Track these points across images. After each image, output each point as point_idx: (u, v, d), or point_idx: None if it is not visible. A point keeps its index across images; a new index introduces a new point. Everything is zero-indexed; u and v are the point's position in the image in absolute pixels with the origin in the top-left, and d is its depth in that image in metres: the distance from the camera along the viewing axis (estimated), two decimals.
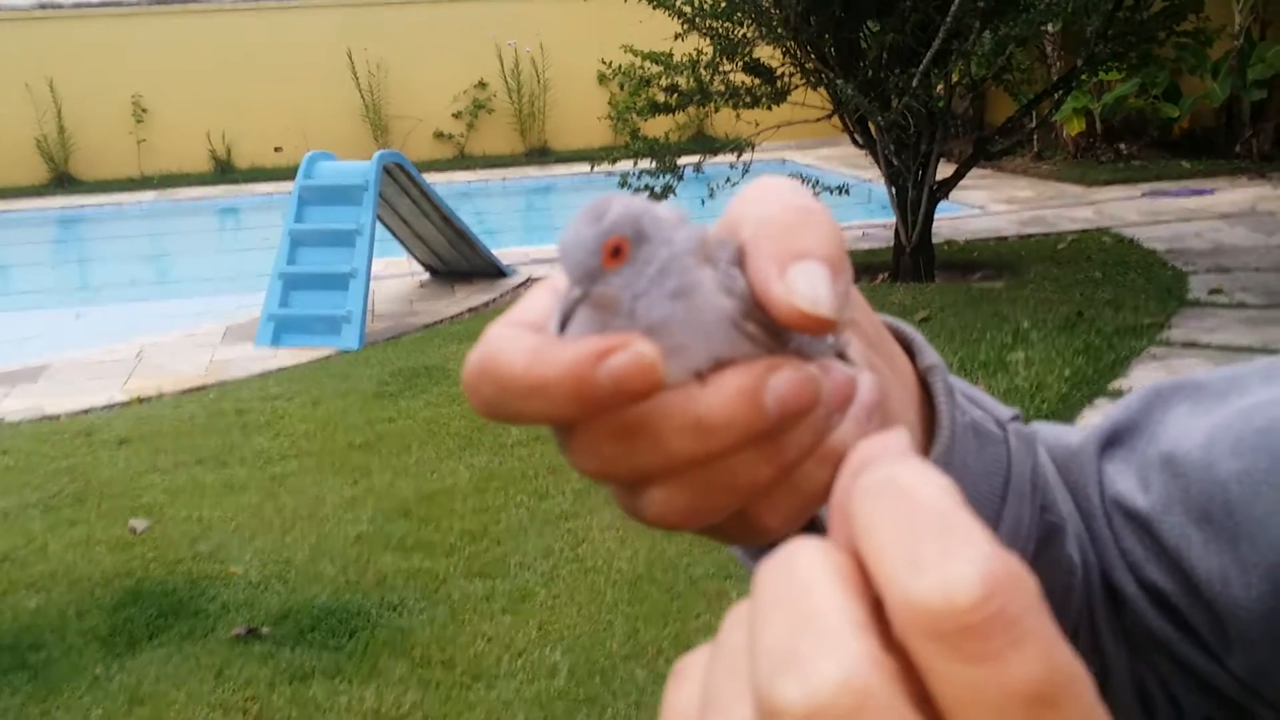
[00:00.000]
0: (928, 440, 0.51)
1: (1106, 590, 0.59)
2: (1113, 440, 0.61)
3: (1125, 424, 0.61)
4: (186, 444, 5.62)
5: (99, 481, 5.18)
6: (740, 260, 0.38)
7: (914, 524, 0.26)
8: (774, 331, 0.37)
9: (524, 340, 0.37)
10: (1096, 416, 5.22)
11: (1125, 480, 0.59)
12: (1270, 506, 0.52)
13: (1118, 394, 5.57)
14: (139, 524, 4.70)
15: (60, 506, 4.92)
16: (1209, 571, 0.54)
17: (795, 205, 0.39)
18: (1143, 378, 5.79)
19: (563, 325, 0.37)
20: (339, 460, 5.31)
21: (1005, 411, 0.57)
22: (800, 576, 0.27)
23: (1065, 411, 5.35)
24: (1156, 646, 0.57)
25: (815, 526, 0.42)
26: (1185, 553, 0.55)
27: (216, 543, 4.51)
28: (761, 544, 0.40)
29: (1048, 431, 0.63)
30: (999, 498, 0.53)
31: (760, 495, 0.38)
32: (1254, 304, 7.17)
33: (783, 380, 0.36)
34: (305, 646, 3.71)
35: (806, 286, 0.36)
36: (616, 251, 0.37)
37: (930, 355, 0.52)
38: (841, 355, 0.41)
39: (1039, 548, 0.55)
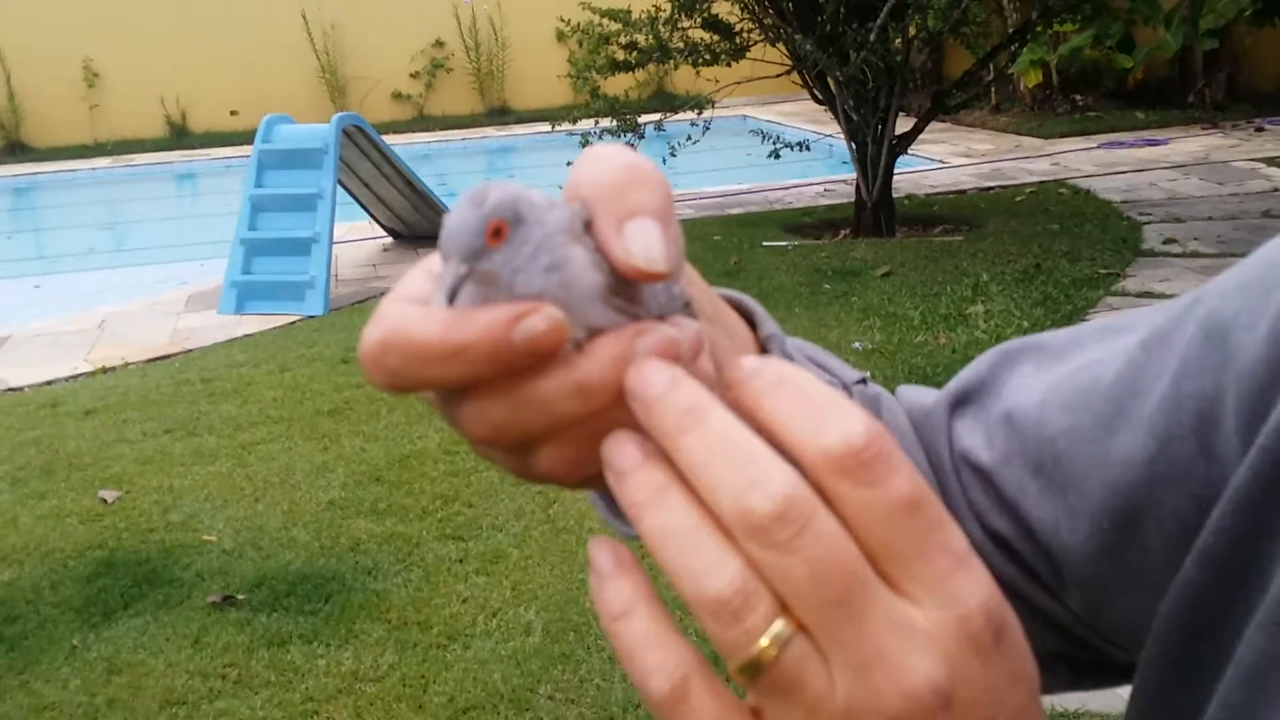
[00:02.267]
0: None
1: None
2: (962, 400, 0.65)
3: (974, 384, 0.65)
4: (154, 413, 5.62)
5: (67, 453, 5.18)
6: (589, 224, 0.43)
7: (810, 402, 0.37)
8: (633, 299, 0.42)
9: (430, 312, 0.41)
10: None
11: (972, 437, 0.63)
12: (1093, 458, 0.56)
13: None
14: (109, 494, 4.71)
15: (28, 479, 4.92)
16: (1043, 519, 0.59)
17: (622, 164, 0.44)
18: None
19: (450, 298, 0.41)
20: (308, 426, 5.33)
21: (852, 375, 0.63)
22: (718, 429, 0.37)
23: None
24: (1004, 587, 0.62)
25: None
26: (1022, 502, 0.60)
27: (188, 511, 4.53)
28: None
29: (908, 393, 0.68)
30: None
31: None
32: (1207, 253, 7.29)
33: (649, 342, 0.40)
34: (281, 612, 3.76)
35: (640, 244, 0.41)
36: (497, 232, 0.41)
37: (769, 325, 0.57)
38: (687, 305, 0.45)
39: None
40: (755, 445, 0.37)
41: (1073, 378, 0.60)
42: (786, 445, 0.37)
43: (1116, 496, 0.55)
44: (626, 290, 0.42)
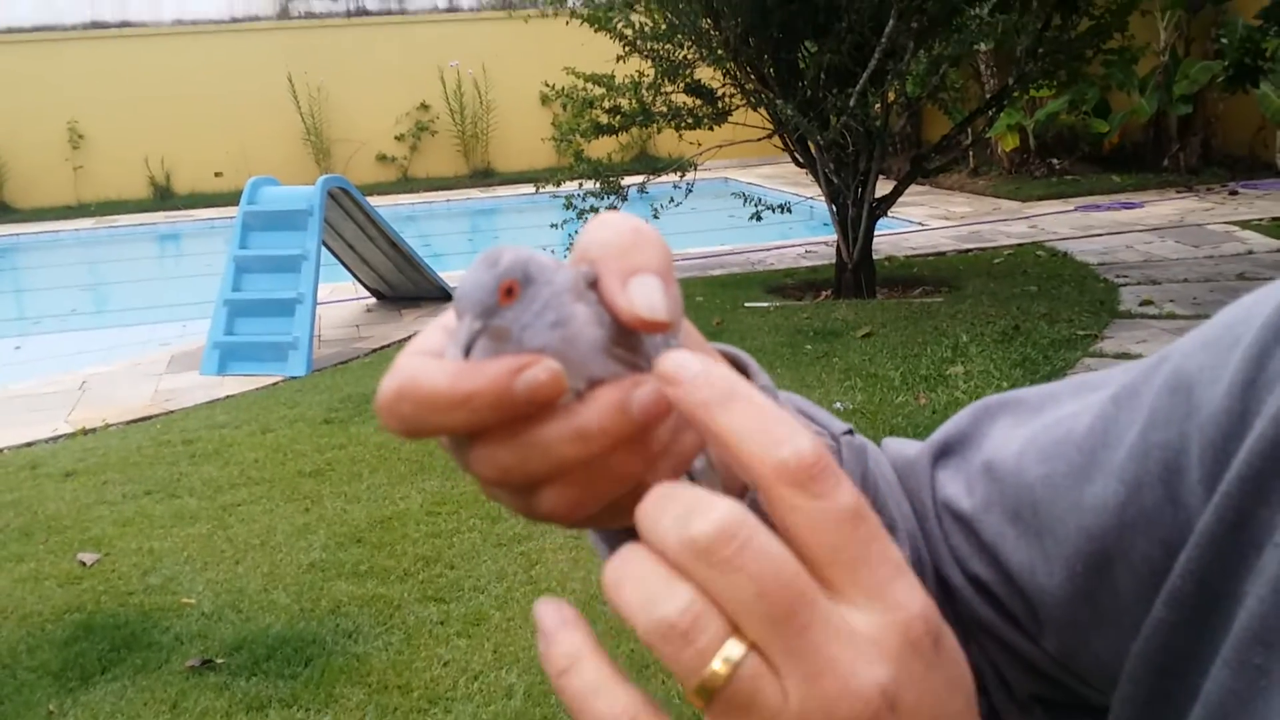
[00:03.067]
0: None
1: (938, 582, 0.67)
2: (944, 451, 0.69)
3: (956, 436, 0.69)
4: (134, 475, 5.60)
5: (46, 515, 5.15)
6: (594, 283, 0.46)
7: (764, 418, 0.40)
8: (634, 350, 0.46)
9: (441, 364, 0.44)
10: None
11: (954, 486, 0.67)
12: (1067, 505, 0.59)
13: None
14: (88, 557, 4.68)
15: (7, 541, 4.88)
16: (1020, 564, 0.62)
17: (628, 229, 0.48)
18: None
19: (465, 352, 0.44)
20: (289, 488, 5.31)
21: (840, 426, 0.66)
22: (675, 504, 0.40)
23: None
24: (984, 630, 0.66)
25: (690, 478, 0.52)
26: (1001, 547, 0.63)
27: (168, 574, 4.50)
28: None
29: (893, 445, 0.72)
30: None
31: (633, 481, 0.47)
32: (1183, 314, 7.36)
33: (644, 393, 0.44)
34: (261, 676, 3.72)
35: (643, 296, 0.45)
36: (509, 291, 0.45)
37: (762, 378, 0.60)
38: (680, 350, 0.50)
39: None
40: (696, 490, 0.40)
41: (1049, 430, 0.63)
42: (740, 457, 0.40)
43: (1089, 541, 0.58)
44: (627, 342, 0.46)
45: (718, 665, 0.37)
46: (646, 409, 0.44)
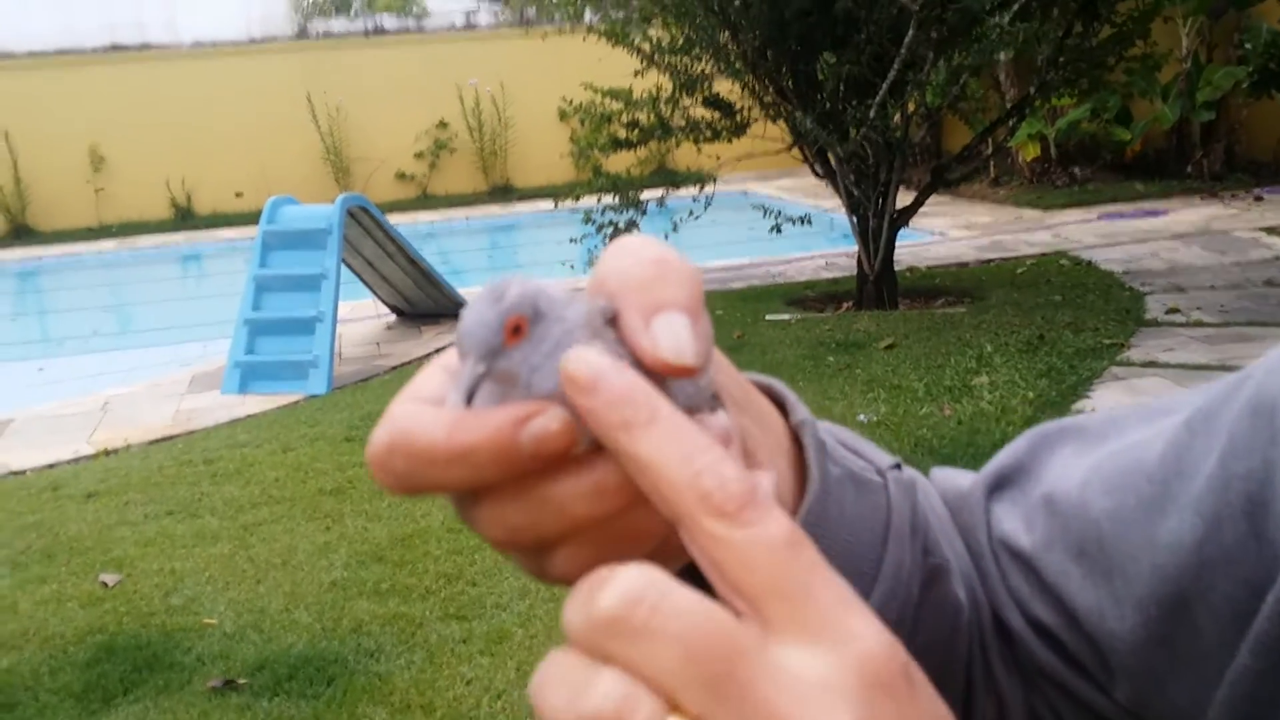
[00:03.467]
0: (801, 491, 0.54)
1: (997, 626, 0.62)
2: (1000, 483, 0.64)
3: (1012, 467, 0.64)
4: (156, 495, 5.58)
5: (68, 536, 5.14)
6: (613, 319, 0.42)
7: (687, 444, 0.37)
8: (662, 392, 0.41)
9: (437, 413, 0.40)
10: None
11: (1011, 521, 0.62)
12: (1139, 542, 0.54)
13: (1082, 415, 5.63)
14: (110, 578, 4.66)
15: (29, 563, 4.88)
16: (1087, 606, 0.57)
17: (651, 258, 0.43)
18: (1106, 398, 5.86)
19: (468, 399, 0.40)
20: (311, 506, 5.29)
21: (886, 460, 0.60)
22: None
23: None
24: (1046, 678, 0.60)
25: None
26: (1065, 588, 0.58)
27: (189, 594, 4.48)
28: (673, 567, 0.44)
29: (942, 477, 0.67)
30: (880, 542, 0.55)
31: (658, 539, 0.42)
32: (1210, 322, 7.28)
33: None
34: (283, 696, 3.69)
35: (668, 337, 0.40)
36: (516, 329, 0.40)
37: (800, 411, 0.55)
38: (715, 397, 0.44)
39: (924, 589, 0.57)
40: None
41: (1115, 459, 0.58)
42: (659, 487, 0.36)
43: (1164, 581, 0.53)
44: (652, 385, 0.41)
45: None
46: None
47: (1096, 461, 0.59)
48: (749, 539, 0.35)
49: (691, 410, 0.42)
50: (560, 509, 0.40)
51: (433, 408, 0.41)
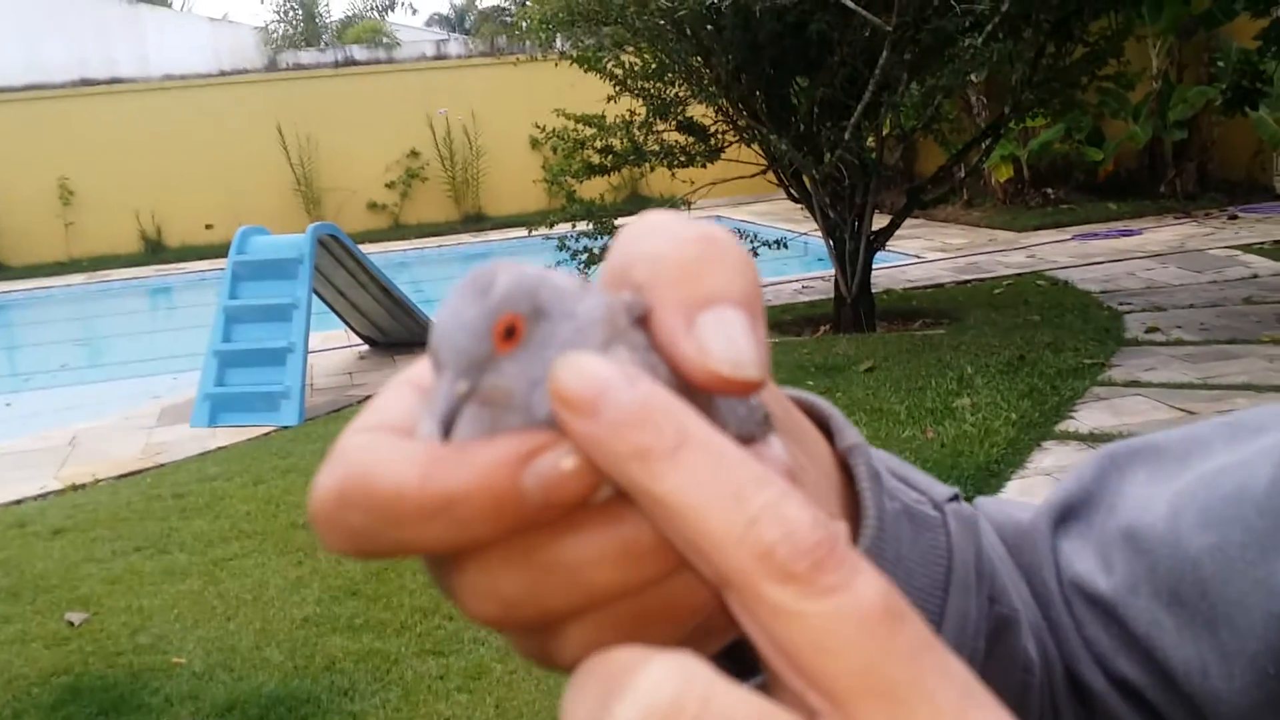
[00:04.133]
0: (854, 530, 0.44)
1: (1071, 685, 0.53)
2: (1067, 514, 0.55)
3: (1080, 495, 0.55)
4: (124, 531, 5.45)
5: (33, 574, 5.00)
6: (643, 319, 0.31)
7: (730, 477, 0.27)
8: (707, 417, 0.30)
9: (406, 448, 0.30)
10: (1048, 459, 5.23)
11: (1084, 560, 0.53)
12: (1249, 585, 0.46)
13: (1066, 435, 5.58)
14: (76, 617, 4.53)
15: None
16: (1185, 661, 0.48)
17: (692, 236, 0.33)
18: (1090, 418, 5.81)
19: (445, 429, 0.29)
20: (283, 541, 5.17)
21: (942, 491, 0.50)
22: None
23: (1015, 455, 5.34)
24: None
25: None
26: (1157, 641, 0.49)
27: (158, 633, 4.35)
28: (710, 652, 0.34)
29: (994, 508, 0.57)
30: (941, 590, 0.46)
31: (704, 615, 0.32)
32: (1191, 340, 7.26)
33: None
34: None
35: (722, 342, 0.30)
36: (510, 332, 0.30)
37: (850, 434, 0.45)
38: (766, 419, 0.34)
39: (990, 644, 0.48)
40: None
41: (1211, 485, 0.49)
42: (697, 539, 0.27)
43: None
44: (693, 404, 0.30)
45: None
46: None
47: (1185, 488, 0.50)
48: (831, 612, 0.26)
49: (744, 440, 0.31)
50: (574, 577, 0.29)
51: (399, 440, 0.30)
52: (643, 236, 0.33)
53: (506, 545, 0.29)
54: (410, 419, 0.31)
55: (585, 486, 0.28)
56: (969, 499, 0.51)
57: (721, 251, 0.32)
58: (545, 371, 0.29)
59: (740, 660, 0.44)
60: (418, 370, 0.33)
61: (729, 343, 0.30)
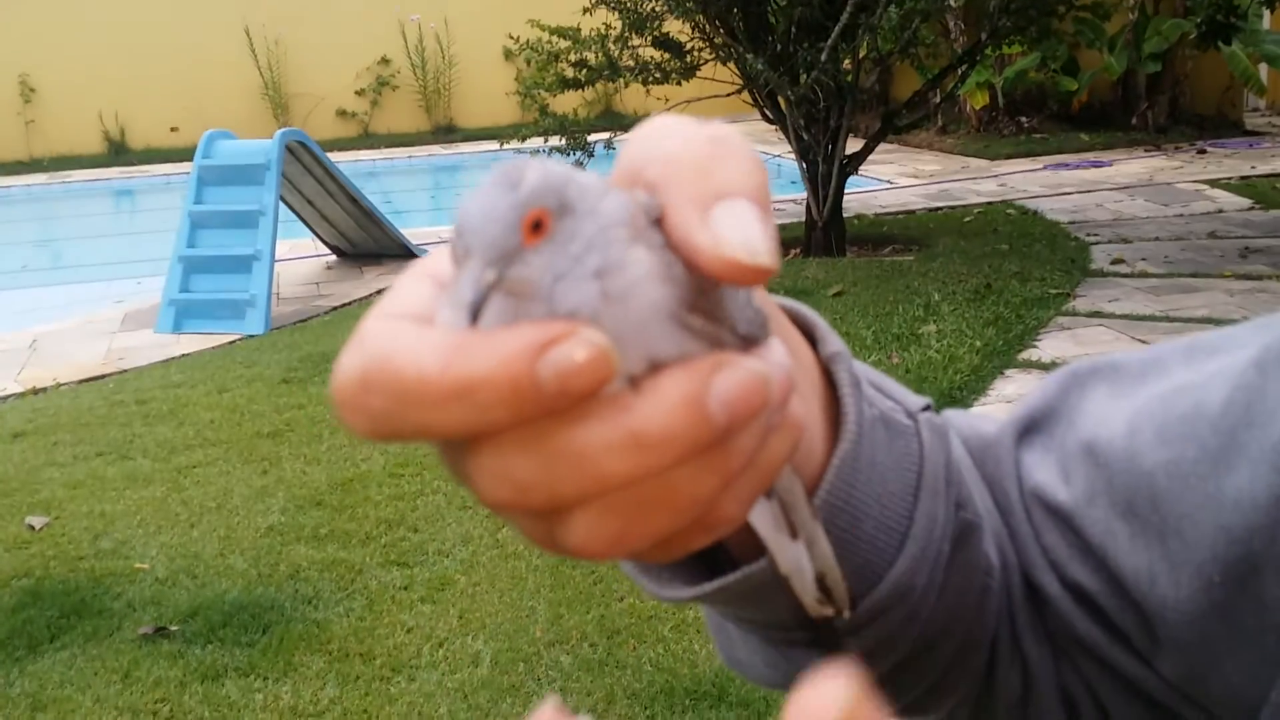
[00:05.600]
0: (833, 434, 0.46)
1: (1028, 590, 0.55)
2: (1030, 428, 0.56)
3: (1043, 410, 0.56)
4: (85, 436, 5.43)
5: None
6: (658, 220, 0.33)
7: None
8: (715, 316, 0.32)
9: (429, 335, 0.31)
10: (1010, 387, 5.29)
11: (1045, 471, 0.54)
12: (1199, 499, 0.48)
13: (1028, 364, 5.64)
14: (37, 520, 4.52)
15: None
16: (1136, 569, 0.50)
17: (703, 137, 0.35)
18: (1052, 347, 5.87)
19: (474, 316, 0.31)
20: (247, 449, 5.16)
21: (916, 401, 0.52)
22: None
23: (978, 382, 5.39)
24: (1082, 650, 0.54)
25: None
26: (1110, 549, 0.51)
27: (120, 538, 4.35)
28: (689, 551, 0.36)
29: (962, 421, 0.59)
30: (911, 494, 0.48)
31: (702, 507, 0.33)
32: (1155, 273, 7.32)
33: (730, 383, 0.31)
34: (217, 644, 3.59)
35: (737, 231, 0.32)
36: (537, 225, 0.31)
37: (834, 342, 0.47)
38: (765, 323, 0.36)
39: (955, 547, 0.50)
40: None
41: (1167, 403, 0.50)
42: None
43: (1230, 544, 0.46)
44: (706, 304, 0.32)
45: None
46: (732, 406, 0.31)
47: (1143, 405, 0.51)
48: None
49: (751, 339, 0.33)
50: (584, 464, 0.31)
51: (421, 328, 0.32)
52: (654, 138, 0.35)
53: (522, 431, 0.31)
54: (429, 308, 0.32)
55: (598, 377, 0.30)
56: (938, 411, 0.53)
57: (731, 150, 0.34)
58: (569, 265, 0.31)
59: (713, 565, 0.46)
60: (435, 262, 0.34)
61: (743, 231, 0.31)
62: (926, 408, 0.52)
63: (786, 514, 0.42)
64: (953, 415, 0.58)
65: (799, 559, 0.43)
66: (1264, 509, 0.45)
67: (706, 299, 0.32)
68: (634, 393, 0.31)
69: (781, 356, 0.34)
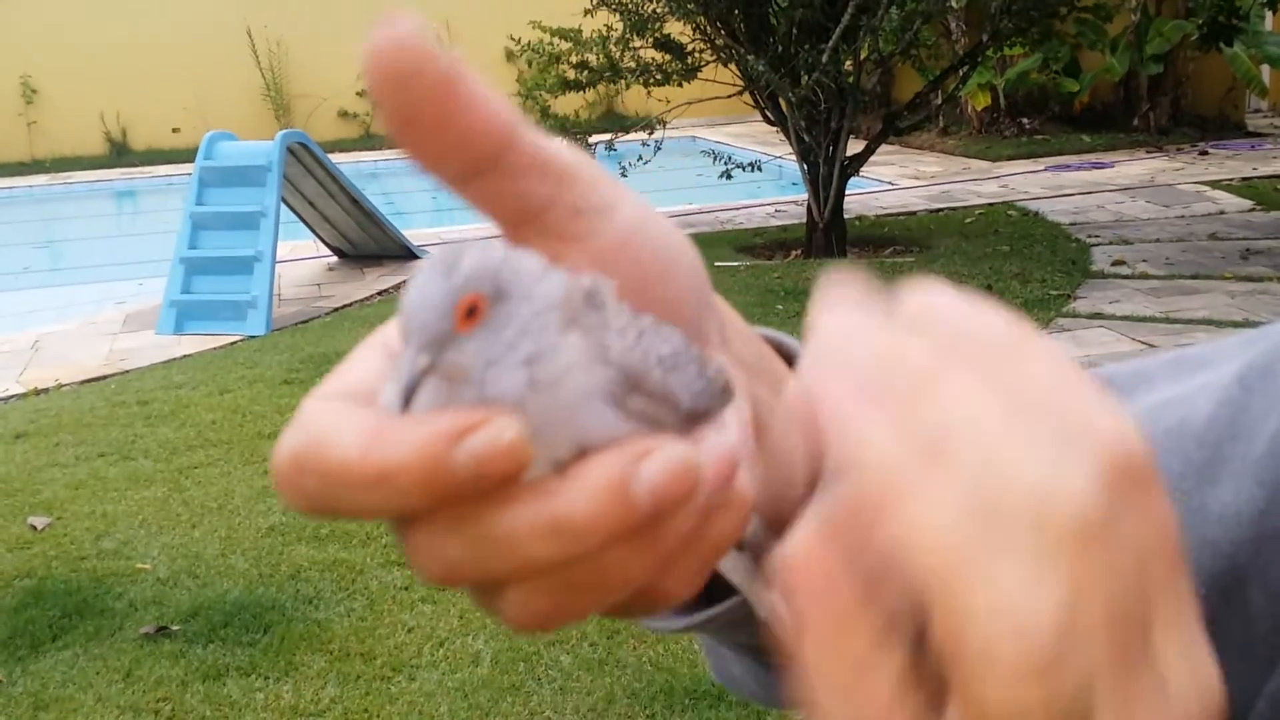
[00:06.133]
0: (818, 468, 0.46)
1: None
2: None
3: None
4: (87, 436, 5.43)
5: None
6: (600, 301, 0.33)
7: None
8: (660, 395, 0.32)
9: (355, 419, 0.32)
10: None
11: None
12: (1183, 512, 0.48)
13: None
14: (39, 521, 4.53)
15: None
16: None
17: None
18: None
19: (406, 401, 0.31)
20: (248, 450, 5.17)
21: None
22: None
23: None
24: None
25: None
26: None
27: (122, 538, 4.36)
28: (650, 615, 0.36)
29: None
30: None
31: (637, 586, 0.34)
32: (1156, 275, 7.32)
33: (654, 469, 0.31)
34: (218, 644, 3.60)
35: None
36: (472, 311, 0.32)
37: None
38: (726, 388, 0.35)
39: None
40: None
41: (1153, 419, 0.51)
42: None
43: (1215, 558, 0.46)
44: (647, 384, 0.32)
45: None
46: (658, 493, 0.31)
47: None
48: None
49: (700, 413, 0.34)
50: (508, 548, 0.31)
51: (353, 411, 0.32)
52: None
53: (449, 513, 0.31)
54: (373, 383, 0.33)
55: (512, 465, 0.30)
56: None
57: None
58: (501, 351, 0.31)
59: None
60: (387, 334, 0.35)
61: None
62: None
63: (760, 563, 0.42)
64: None
65: (777, 604, 0.44)
66: (1248, 523, 0.46)
67: (647, 380, 0.32)
68: (559, 478, 0.31)
69: (731, 433, 0.33)
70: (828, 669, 0.27)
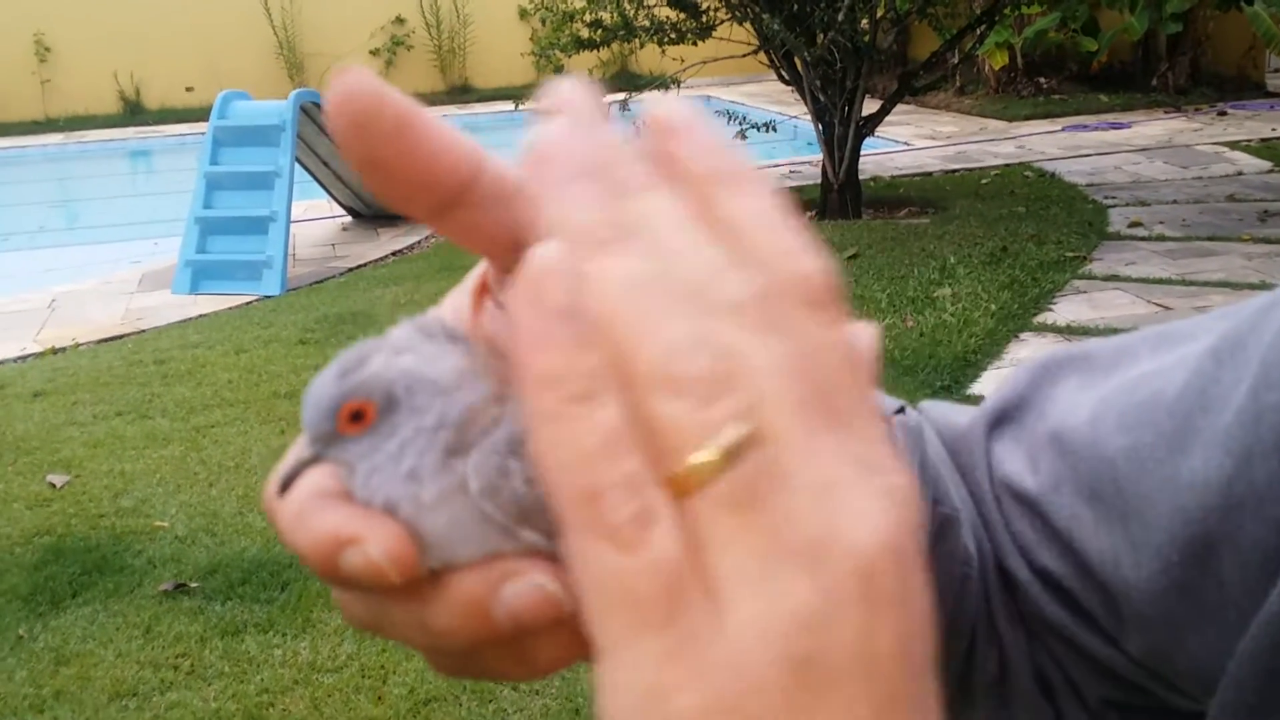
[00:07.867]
0: None
1: (1000, 575, 0.57)
2: (1001, 419, 0.58)
3: (1014, 401, 0.58)
4: (105, 395, 5.47)
5: (14, 436, 5.03)
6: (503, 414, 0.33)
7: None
8: (536, 520, 0.32)
9: (302, 486, 0.35)
10: (1025, 351, 5.29)
11: (1014, 460, 0.56)
12: (1157, 482, 0.49)
13: (1044, 328, 5.63)
14: (58, 479, 4.57)
15: None
16: (1100, 552, 0.52)
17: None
18: (1068, 311, 5.86)
19: (284, 488, 0.34)
20: (264, 409, 5.20)
21: (889, 403, 0.54)
22: None
23: (992, 346, 5.39)
24: (1052, 631, 0.56)
25: None
26: (1076, 534, 0.53)
27: (140, 496, 4.40)
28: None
29: (937, 412, 0.61)
30: None
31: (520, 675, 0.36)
32: (1172, 236, 7.28)
33: (517, 594, 0.32)
34: (236, 600, 3.65)
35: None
36: (358, 416, 0.33)
37: None
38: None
39: (934, 542, 0.53)
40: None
41: (1129, 391, 0.52)
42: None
43: (1187, 524, 0.48)
44: (524, 506, 0.32)
45: (730, 437, 0.28)
46: (517, 615, 0.32)
47: (1108, 394, 0.53)
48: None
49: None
50: (394, 630, 0.35)
51: (310, 473, 0.36)
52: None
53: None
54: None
55: (388, 578, 0.32)
56: (940, 392, 0.54)
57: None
58: (383, 461, 0.32)
59: None
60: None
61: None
62: (900, 410, 0.54)
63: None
64: (928, 406, 0.61)
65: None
66: (1216, 490, 0.47)
67: (526, 499, 0.32)
68: (433, 585, 0.33)
69: None
70: (542, 408, 0.28)
